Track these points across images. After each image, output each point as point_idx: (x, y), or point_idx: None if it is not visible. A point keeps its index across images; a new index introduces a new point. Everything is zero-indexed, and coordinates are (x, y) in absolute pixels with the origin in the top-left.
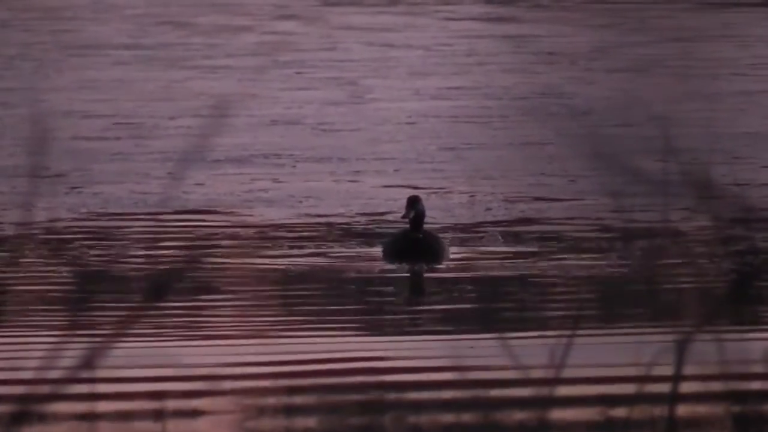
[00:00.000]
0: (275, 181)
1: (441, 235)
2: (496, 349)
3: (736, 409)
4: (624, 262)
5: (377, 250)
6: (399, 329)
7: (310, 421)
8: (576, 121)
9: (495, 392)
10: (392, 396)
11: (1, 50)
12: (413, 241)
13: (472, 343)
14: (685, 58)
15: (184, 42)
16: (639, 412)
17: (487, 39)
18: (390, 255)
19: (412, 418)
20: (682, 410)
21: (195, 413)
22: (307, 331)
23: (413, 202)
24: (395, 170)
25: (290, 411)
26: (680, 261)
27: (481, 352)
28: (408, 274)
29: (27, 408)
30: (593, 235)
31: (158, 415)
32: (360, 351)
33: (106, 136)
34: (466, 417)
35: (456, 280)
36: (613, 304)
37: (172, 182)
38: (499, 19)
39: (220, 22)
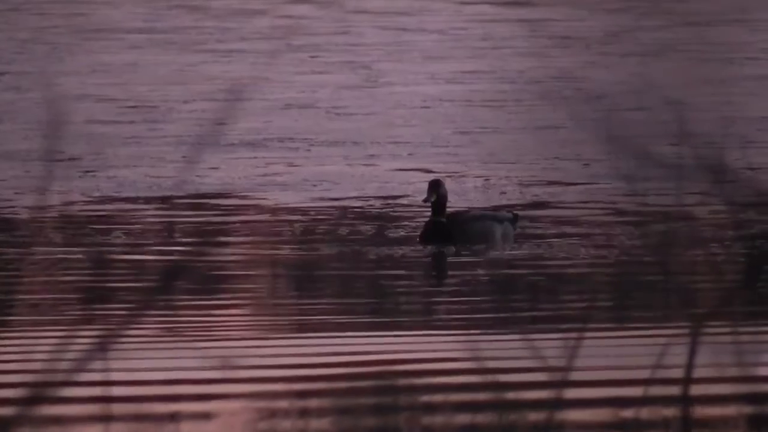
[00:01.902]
0: (289, 165)
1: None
2: (508, 343)
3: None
4: (638, 246)
5: (392, 234)
6: (408, 323)
7: (325, 421)
8: (590, 106)
9: (506, 378)
10: (406, 395)
11: (15, 34)
12: (434, 225)
13: (486, 336)
14: (699, 43)
15: (197, 26)
16: (651, 406)
17: (501, 23)
18: (420, 239)
19: (426, 418)
20: (696, 408)
21: (207, 415)
22: (322, 330)
23: (435, 186)
24: (410, 154)
25: (305, 412)
26: (693, 245)
27: (494, 346)
28: (426, 259)
29: (40, 394)
30: (607, 219)
31: (172, 415)
32: (371, 347)
33: (119, 120)
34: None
35: (470, 266)
36: (627, 291)
37: (186, 166)
38: (514, 3)
39: (234, 5)
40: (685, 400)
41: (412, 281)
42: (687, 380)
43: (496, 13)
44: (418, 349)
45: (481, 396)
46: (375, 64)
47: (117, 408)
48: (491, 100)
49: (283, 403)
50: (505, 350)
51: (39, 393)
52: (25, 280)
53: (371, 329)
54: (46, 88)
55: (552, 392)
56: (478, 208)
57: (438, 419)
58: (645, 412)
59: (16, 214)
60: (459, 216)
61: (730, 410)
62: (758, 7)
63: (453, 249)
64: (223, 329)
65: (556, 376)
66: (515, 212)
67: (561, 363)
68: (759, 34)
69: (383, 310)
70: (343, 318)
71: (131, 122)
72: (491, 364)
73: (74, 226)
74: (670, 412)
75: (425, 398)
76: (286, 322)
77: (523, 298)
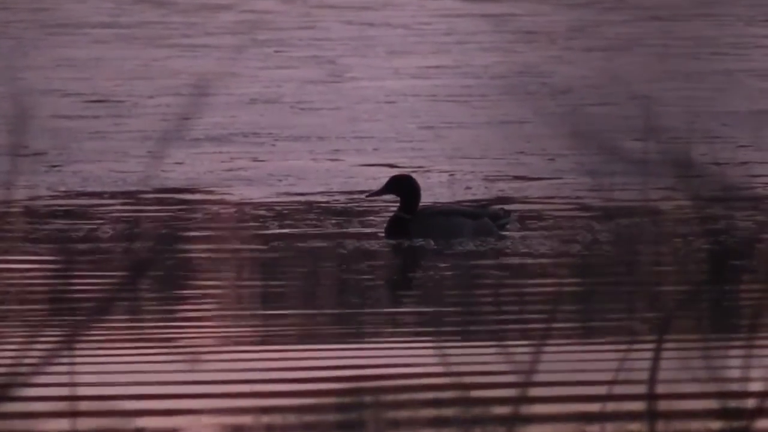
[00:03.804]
0: (254, 159)
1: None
2: (471, 349)
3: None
4: (603, 241)
5: (357, 229)
6: (372, 332)
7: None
8: (555, 100)
9: (472, 384)
10: (372, 403)
11: None
12: (395, 221)
13: (447, 344)
14: (664, 37)
15: (162, 20)
16: (615, 408)
17: (466, 18)
18: (384, 234)
19: (392, 426)
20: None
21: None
22: (286, 342)
23: (392, 182)
24: (374, 149)
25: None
26: (659, 240)
27: (456, 352)
28: (389, 256)
29: (6, 391)
30: (572, 213)
31: (137, 412)
32: (335, 356)
33: (84, 115)
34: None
35: (432, 265)
36: (592, 289)
37: (152, 161)
38: None
39: (199, 0)
40: (650, 401)
41: (375, 281)
42: (652, 381)
43: (460, 8)
44: (378, 355)
45: (448, 402)
46: (340, 59)
47: (83, 405)
48: (456, 95)
49: (248, 406)
50: (468, 357)
51: (4, 390)
52: None
53: (336, 339)
54: (11, 83)
55: (516, 397)
56: (457, 202)
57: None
58: (610, 418)
59: None
60: (425, 210)
61: (696, 415)
62: (724, 2)
63: (432, 243)
64: (188, 329)
65: (521, 383)
66: (505, 209)
67: (525, 369)
68: (724, 28)
69: (345, 317)
70: (307, 327)
71: (96, 117)
72: (454, 374)
73: (40, 221)
74: (635, 416)
75: (391, 410)
76: (249, 331)
77: (486, 300)
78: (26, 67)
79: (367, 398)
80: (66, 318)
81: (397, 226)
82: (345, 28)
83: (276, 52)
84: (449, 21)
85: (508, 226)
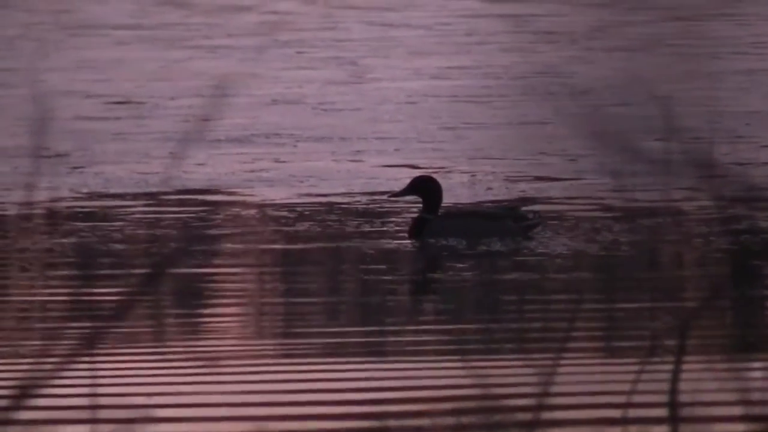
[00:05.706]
0: (276, 160)
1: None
2: (492, 363)
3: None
4: (624, 242)
5: (378, 230)
6: (393, 349)
7: None
8: (576, 101)
9: (493, 378)
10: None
11: (2, 31)
12: (417, 222)
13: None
14: (686, 37)
15: (184, 22)
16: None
17: (486, 18)
18: (408, 234)
19: None
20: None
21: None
22: (307, 357)
23: (414, 183)
24: (396, 150)
25: None
26: (681, 240)
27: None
28: (411, 259)
29: (25, 400)
30: (594, 214)
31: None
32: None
33: (106, 116)
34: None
35: (454, 269)
36: (613, 293)
37: (173, 162)
38: None
39: (220, 1)
40: (672, 408)
41: (397, 284)
42: (673, 389)
43: (481, 9)
44: (397, 368)
45: (470, 411)
46: (361, 60)
47: (104, 411)
48: (477, 96)
49: (268, 414)
50: (490, 366)
51: (24, 398)
52: (12, 278)
53: (357, 350)
54: (33, 85)
55: (538, 405)
56: (479, 203)
57: None
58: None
59: (4, 210)
60: (447, 211)
61: (719, 420)
62: (745, 1)
63: (464, 243)
64: (209, 335)
65: (542, 393)
66: (535, 211)
67: (545, 383)
68: (747, 28)
69: (366, 326)
70: (329, 338)
71: (118, 118)
72: (477, 384)
73: (62, 223)
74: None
75: (413, 419)
76: (270, 340)
77: (506, 307)
78: (48, 69)
79: (390, 408)
80: (87, 322)
81: (420, 227)
82: (366, 29)
83: (297, 53)
84: (470, 21)
85: (536, 229)
